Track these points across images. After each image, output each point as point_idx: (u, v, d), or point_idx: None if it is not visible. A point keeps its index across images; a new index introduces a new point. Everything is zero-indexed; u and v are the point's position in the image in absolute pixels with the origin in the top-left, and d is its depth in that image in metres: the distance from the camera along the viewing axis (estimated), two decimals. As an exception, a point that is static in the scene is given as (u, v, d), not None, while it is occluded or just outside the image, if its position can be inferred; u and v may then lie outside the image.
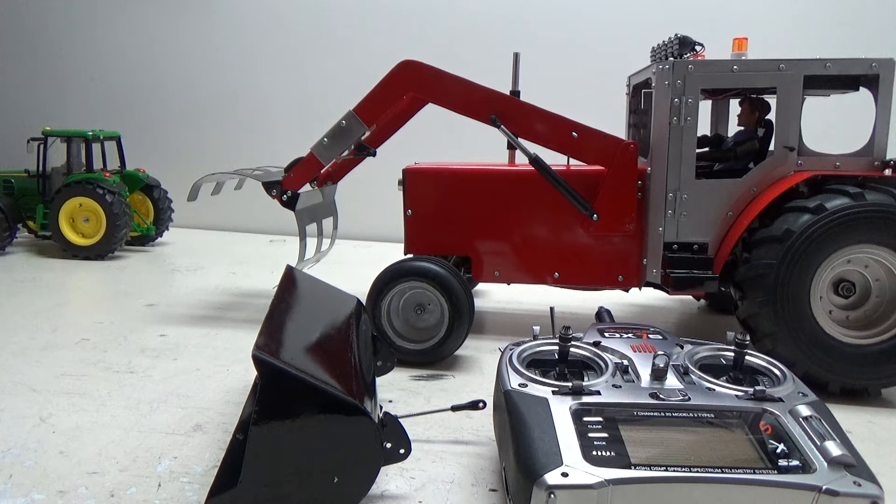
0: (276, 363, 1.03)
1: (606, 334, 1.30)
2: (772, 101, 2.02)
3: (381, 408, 1.30)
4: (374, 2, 4.31)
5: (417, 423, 1.47)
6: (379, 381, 1.76)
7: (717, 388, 1.09)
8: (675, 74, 1.87)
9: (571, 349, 1.21)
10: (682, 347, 1.25)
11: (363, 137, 2.21)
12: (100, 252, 3.55)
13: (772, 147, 1.96)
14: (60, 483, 1.22)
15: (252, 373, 1.59)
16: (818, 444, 0.92)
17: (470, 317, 1.89)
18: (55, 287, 2.92)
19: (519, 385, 1.08)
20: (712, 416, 1.02)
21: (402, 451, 1.14)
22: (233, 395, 1.64)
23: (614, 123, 2.26)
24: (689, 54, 1.94)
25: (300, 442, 1.03)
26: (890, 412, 1.66)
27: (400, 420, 1.16)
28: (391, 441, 1.13)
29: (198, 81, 4.72)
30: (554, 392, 1.05)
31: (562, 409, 1.00)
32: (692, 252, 1.93)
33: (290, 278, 1.51)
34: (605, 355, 1.20)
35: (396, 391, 1.69)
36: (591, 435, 0.95)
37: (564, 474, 0.86)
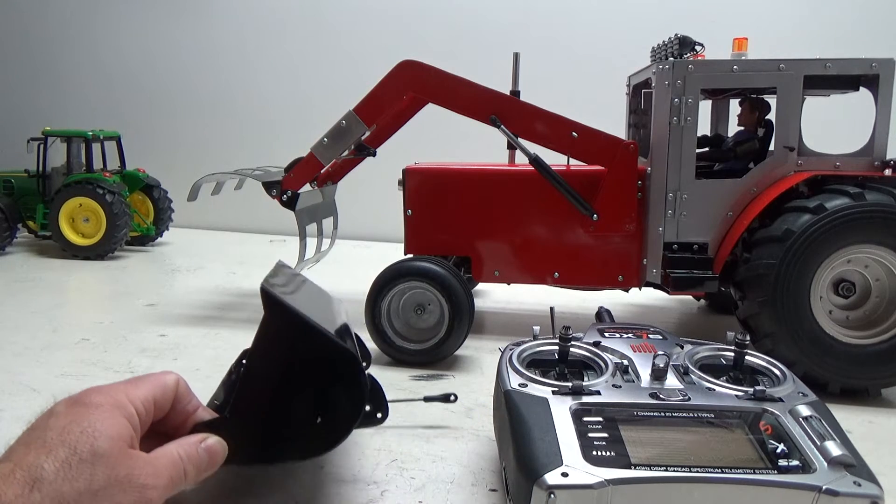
0: (281, 298, 1.05)
1: (606, 334, 1.30)
2: (772, 101, 2.02)
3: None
4: (374, 2, 4.31)
5: (418, 423, 1.47)
6: (379, 381, 1.76)
7: (717, 388, 1.09)
8: (675, 74, 1.87)
9: (571, 349, 1.21)
10: (682, 347, 1.25)
11: (363, 137, 2.21)
12: (100, 252, 3.55)
13: (772, 147, 1.96)
14: (60, 483, 1.21)
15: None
16: (818, 444, 0.92)
17: (470, 317, 1.89)
18: (55, 287, 2.93)
19: (519, 385, 1.08)
20: (712, 416, 1.02)
21: (379, 415, 1.19)
22: (233, 395, 1.64)
23: (614, 123, 2.26)
24: (689, 54, 1.94)
25: (292, 379, 1.05)
26: (890, 412, 1.66)
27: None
28: (371, 404, 1.16)
29: (198, 82, 4.72)
30: (554, 392, 1.05)
31: (562, 409, 1.00)
32: (692, 252, 1.93)
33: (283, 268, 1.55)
34: (605, 355, 1.19)
35: (396, 391, 1.69)
36: (591, 435, 0.95)
37: (564, 474, 0.86)
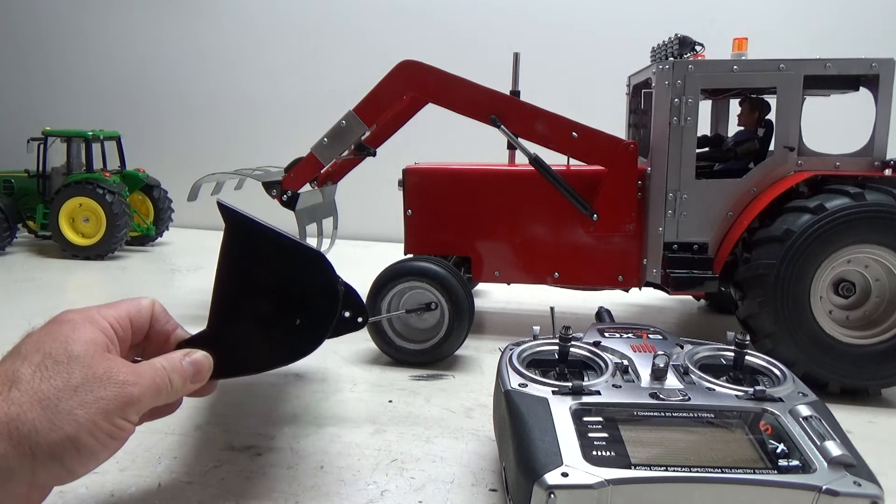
0: (237, 209, 1.08)
1: (606, 334, 1.30)
2: (772, 101, 2.02)
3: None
4: (374, 2, 4.31)
5: (418, 423, 1.47)
6: (379, 381, 1.76)
7: (717, 388, 1.09)
8: (675, 74, 1.87)
9: (571, 349, 1.21)
10: (682, 347, 1.25)
11: (363, 137, 2.21)
12: (100, 252, 3.55)
13: (772, 147, 1.96)
14: (60, 483, 1.21)
15: (252, 379, 1.58)
16: (818, 444, 0.92)
17: (470, 317, 1.89)
18: (55, 287, 2.92)
19: (519, 385, 1.08)
20: (712, 416, 1.02)
21: (359, 319, 1.20)
22: (233, 395, 1.64)
23: (614, 123, 2.26)
24: (689, 54, 1.94)
25: (265, 286, 1.08)
26: (890, 412, 1.66)
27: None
28: (349, 310, 1.18)
29: (198, 81, 4.71)
30: (554, 392, 1.05)
31: (562, 409, 1.00)
32: (692, 252, 1.93)
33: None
34: (605, 355, 1.19)
35: (396, 391, 1.69)
36: (591, 435, 0.95)
37: (564, 474, 0.86)
